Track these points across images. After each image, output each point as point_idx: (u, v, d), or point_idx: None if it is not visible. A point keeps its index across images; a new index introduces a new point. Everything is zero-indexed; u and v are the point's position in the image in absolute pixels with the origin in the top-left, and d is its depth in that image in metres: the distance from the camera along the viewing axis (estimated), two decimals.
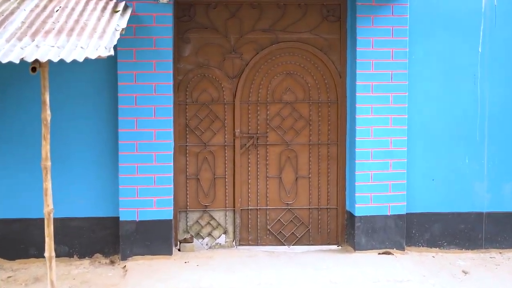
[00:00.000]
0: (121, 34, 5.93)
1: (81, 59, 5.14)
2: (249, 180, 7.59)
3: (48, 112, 5.21)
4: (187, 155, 7.51)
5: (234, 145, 7.54)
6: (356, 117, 7.28)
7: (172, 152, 7.17)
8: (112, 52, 5.32)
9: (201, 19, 7.40)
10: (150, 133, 7.05)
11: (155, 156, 7.08)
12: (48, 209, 5.27)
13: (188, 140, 7.50)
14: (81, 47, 5.37)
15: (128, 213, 7.09)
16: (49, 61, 5.10)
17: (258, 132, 7.55)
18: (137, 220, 7.08)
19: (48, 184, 5.23)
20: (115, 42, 5.58)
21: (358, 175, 7.32)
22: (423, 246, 7.60)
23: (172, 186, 7.16)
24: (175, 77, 7.38)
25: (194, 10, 7.39)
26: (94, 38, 5.60)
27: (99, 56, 5.20)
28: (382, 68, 7.26)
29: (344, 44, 7.49)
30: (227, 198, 7.58)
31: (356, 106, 7.28)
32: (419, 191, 7.57)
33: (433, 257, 7.43)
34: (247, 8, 7.40)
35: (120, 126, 7.04)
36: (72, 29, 5.78)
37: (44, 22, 5.91)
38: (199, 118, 7.50)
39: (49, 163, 5.24)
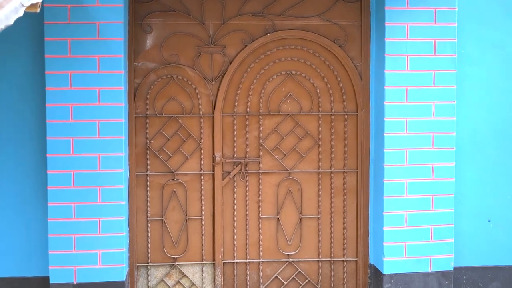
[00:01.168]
0: (33, 13, 3.82)
1: None
2: (235, 223, 5.48)
3: None
4: (148, 188, 5.40)
5: (213, 174, 5.43)
6: (385, 135, 5.17)
7: (124, 186, 5.05)
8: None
9: None
10: (93, 159, 4.95)
11: (100, 192, 4.98)
12: None
13: (149, 167, 5.38)
14: None
15: (61, 272, 4.99)
16: None
17: (248, 155, 5.45)
18: (74, 283, 4.96)
19: None
20: (11, 22, 3.48)
21: (387, 216, 5.22)
22: None
23: (125, 233, 5.05)
24: (130, 80, 5.27)
25: None
26: None
27: None
28: (421, 66, 5.17)
29: (367, 33, 5.39)
30: (204, 247, 5.46)
31: (385, 120, 5.17)
32: (471, 238, 5.48)
33: None
34: None
35: (49, 149, 4.94)
36: None
37: None
38: (165, 137, 5.38)
39: None
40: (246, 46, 5.38)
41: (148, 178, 5.41)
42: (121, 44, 4.95)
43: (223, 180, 5.45)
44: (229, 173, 5.45)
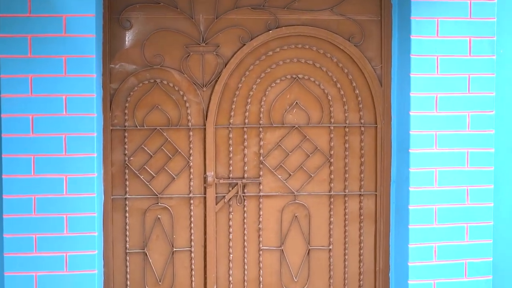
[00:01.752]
0: None
1: None
2: (231, 255, 4.61)
3: None
4: (127, 214, 4.53)
5: (205, 197, 4.56)
6: (410, 151, 4.31)
7: (97, 213, 4.19)
8: None
9: None
10: (59, 181, 4.10)
11: (68, 221, 4.13)
12: None
13: (128, 189, 4.51)
14: None
15: None
16: None
17: (246, 175, 4.58)
18: None
19: None
20: None
21: (412, 249, 4.35)
22: None
23: (97, 271, 4.18)
24: (105, 85, 4.40)
25: None
26: None
27: None
28: (454, 69, 4.31)
29: (388, 29, 4.53)
30: (193, 284, 4.59)
31: (410, 133, 4.31)
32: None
33: None
34: None
35: (5, 170, 4.09)
36: None
37: None
38: (148, 153, 4.51)
39: None
40: (244, 45, 4.51)
41: (127, 202, 4.53)
42: (93, 42, 4.09)
43: (216, 204, 4.58)
44: (224, 196, 4.58)
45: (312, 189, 4.64)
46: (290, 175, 4.61)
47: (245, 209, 4.61)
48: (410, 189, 4.34)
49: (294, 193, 4.62)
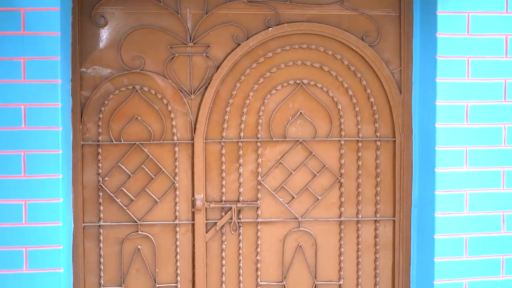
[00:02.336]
0: None
1: None
2: None
3: None
4: (102, 244, 3.84)
5: (193, 224, 3.88)
6: (436, 171, 3.63)
7: (64, 245, 3.51)
8: None
9: None
10: (16, 207, 3.44)
11: (27, 255, 3.45)
12: None
13: (103, 215, 3.83)
14: None
15: None
16: None
17: (241, 198, 3.90)
18: None
19: None
20: None
21: (439, 285, 3.68)
22: None
23: None
24: (74, 93, 3.73)
25: None
26: None
27: None
28: (487, 73, 3.65)
29: (409, 26, 3.85)
30: None
31: (436, 149, 3.64)
32: None
33: None
34: None
35: None
36: None
37: None
38: (126, 173, 3.83)
39: None
40: (239, 45, 3.83)
41: (101, 230, 3.85)
42: (57, 41, 3.43)
43: (206, 232, 3.90)
44: (216, 222, 3.90)
45: (319, 214, 3.96)
46: (293, 197, 3.93)
47: (241, 237, 3.93)
48: (435, 215, 3.65)
49: (298, 218, 3.94)
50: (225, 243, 3.93)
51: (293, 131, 3.91)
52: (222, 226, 3.91)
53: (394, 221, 3.96)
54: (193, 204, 3.87)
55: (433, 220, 3.67)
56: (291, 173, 3.92)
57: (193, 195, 3.87)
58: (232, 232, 3.92)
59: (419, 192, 3.86)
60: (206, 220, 3.89)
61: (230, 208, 3.90)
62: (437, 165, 3.64)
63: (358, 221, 3.97)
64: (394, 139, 3.92)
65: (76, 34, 3.72)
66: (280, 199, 3.92)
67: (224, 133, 3.88)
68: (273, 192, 3.92)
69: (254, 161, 3.91)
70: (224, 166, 3.89)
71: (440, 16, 3.60)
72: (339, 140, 3.93)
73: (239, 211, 3.91)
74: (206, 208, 3.88)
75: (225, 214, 3.91)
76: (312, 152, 3.92)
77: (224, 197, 3.90)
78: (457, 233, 3.67)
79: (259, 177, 3.91)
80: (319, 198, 3.94)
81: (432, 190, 3.67)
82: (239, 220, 3.91)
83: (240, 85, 3.88)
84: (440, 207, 3.65)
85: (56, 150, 3.44)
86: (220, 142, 3.88)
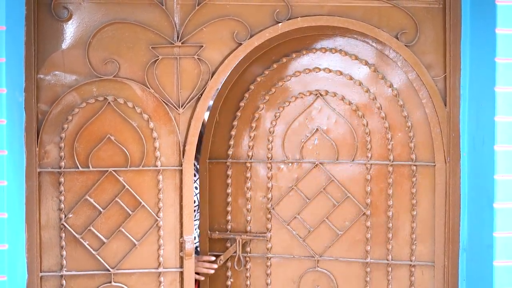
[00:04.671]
0: None
1: None
2: None
3: None
4: None
5: (182, 272, 3.06)
6: (495, 206, 2.82)
7: None
8: None
9: None
10: None
11: None
12: None
13: (66, 262, 3.02)
14: None
15: None
16: None
17: (250, 229, 3.13)
18: None
19: None
20: None
21: None
22: None
23: None
24: (29, 106, 2.92)
25: None
26: None
27: None
28: None
29: (457, 21, 3.05)
30: None
31: (495, 178, 2.83)
32: None
33: None
34: None
35: None
36: None
37: None
38: (95, 208, 2.99)
39: None
40: (241, 44, 3.01)
41: (64, 281, 3.01)
42: (1, 39, 2.58)
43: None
44: (219, 257, 3.10)
45: (340, 253, 3.16)
46: (309, 231, 3.12)
47: (248, 275, 3.13)
48: (494, 264, 2.84)
49: (314, 257, 3.13)
50: (231, 279, 3.14)
51: (309, 152, 3.12)
52: (226, 262, 3.13)
53: (434, 266, 3.14)
54: (182, 248, 3.04)
55: (491, 269, 2.85)
56: (306, 202, 3.11)
57: (181, 236, 3.04)
58: (238, 269, 3.13)
59: (469, 232, 3.04)
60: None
61: (235, 241, 3.13)
62: (497, 199, 2.83)
63: (388, 264, 3.16)
64: (434, 163, 3.10)
65: (31, 30, 2.90)
66: (294, 232, 3.11)
67: (225, 152, 3.07)
68: (285, 224, 3.12)
69: (263, 187, 3.13)
70: (230, 190, 3.09)
71: (500, 6, 2.79)
72: (365, 163, 3.13)
73: (243, 244, 3.14)
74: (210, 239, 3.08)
75: (227, 247, 3.15)
76: (332, 178, 3.12)
77: (229, 226, 3.16)
78: None
79: (269, 206, 3.12)
80: (340, 233, 3.14)
81: (490, 232, 2.85)
82: (247, 255, 3.15)
83: (246, 97, 3.07)
84: (501, 254, 2.83)
85: (2, 182, 2.61)
86: (217, 163, 3.09)
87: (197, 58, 3.00)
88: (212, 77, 3.01)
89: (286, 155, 3.14)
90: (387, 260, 3.18)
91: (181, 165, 3.02)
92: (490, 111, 2.85)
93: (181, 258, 3.06)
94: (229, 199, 3.22)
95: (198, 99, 3.01)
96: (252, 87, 3.09)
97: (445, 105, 3.07)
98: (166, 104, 3.00)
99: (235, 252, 3.22)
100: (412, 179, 3.15)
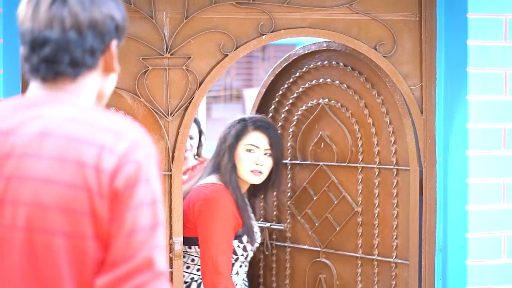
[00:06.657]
0: None
1: None
2: None
3: None
4: None
5: (171, 272, 3.19)
6: (467, 209, 2.98)
7: None
8: None
9: None
10: None
11: None
12: None
13: None
14: None
15: None
16: None
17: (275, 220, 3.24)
18: None
19: None
20: None
21: None
22: None
23: None
24: None
25: None
26: None
27: None
28: None
29: (432, 33, 3.20)
30: None
31: (468, 182, 2.99)
32: None
33: None
34: None
35: None
36: None
37: None
38: None
39: None
40: (227, 56, 3.16)
41: None
42: None
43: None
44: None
45: (338, 246, 3.43)
46: (315, 224, 3.34)
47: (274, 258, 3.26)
48: (467, 263, 3.00)
49: (319, 248, 3.32)
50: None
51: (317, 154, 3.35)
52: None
53: (408, 265, 3.29)
54: (171, 249, 3.18)
55: (464, 269, 3.01)
56: (314, 198, 3.34)
57: (171, 238, 3.18)
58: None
59: (443, 234, 3.19)
60: None
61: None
62: (470, 202, 2.99)
63: (374, 260, 3.34)
64: (409, 168, 3.25)
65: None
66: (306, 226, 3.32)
67: None
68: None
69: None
70: None
71: (471, 19, 2.95)
72: (357, 166, 3.33)
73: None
74: None
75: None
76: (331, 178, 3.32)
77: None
78: (493, 286, 3.01)
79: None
80: (337, 228, 3.40)
81: (463, 233, 3.01)
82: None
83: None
84: (474, 254, 2.99)
85: None
86: None
87: (185, 68, 3.15)
88: (199, 86, 3.16)
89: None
90: (373, 255, 3.35)
91: (170, 170, 3.17)
92: (462, 118, 3.01)
93: (171, 259, 3.20)
94: None
95: (186, 107, 3.16)
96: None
97: (422, 113, 3.22)
98: (156, 112, 3.15)
99: (264, 238, 3.59)
100: (392, 180, 3.31)
